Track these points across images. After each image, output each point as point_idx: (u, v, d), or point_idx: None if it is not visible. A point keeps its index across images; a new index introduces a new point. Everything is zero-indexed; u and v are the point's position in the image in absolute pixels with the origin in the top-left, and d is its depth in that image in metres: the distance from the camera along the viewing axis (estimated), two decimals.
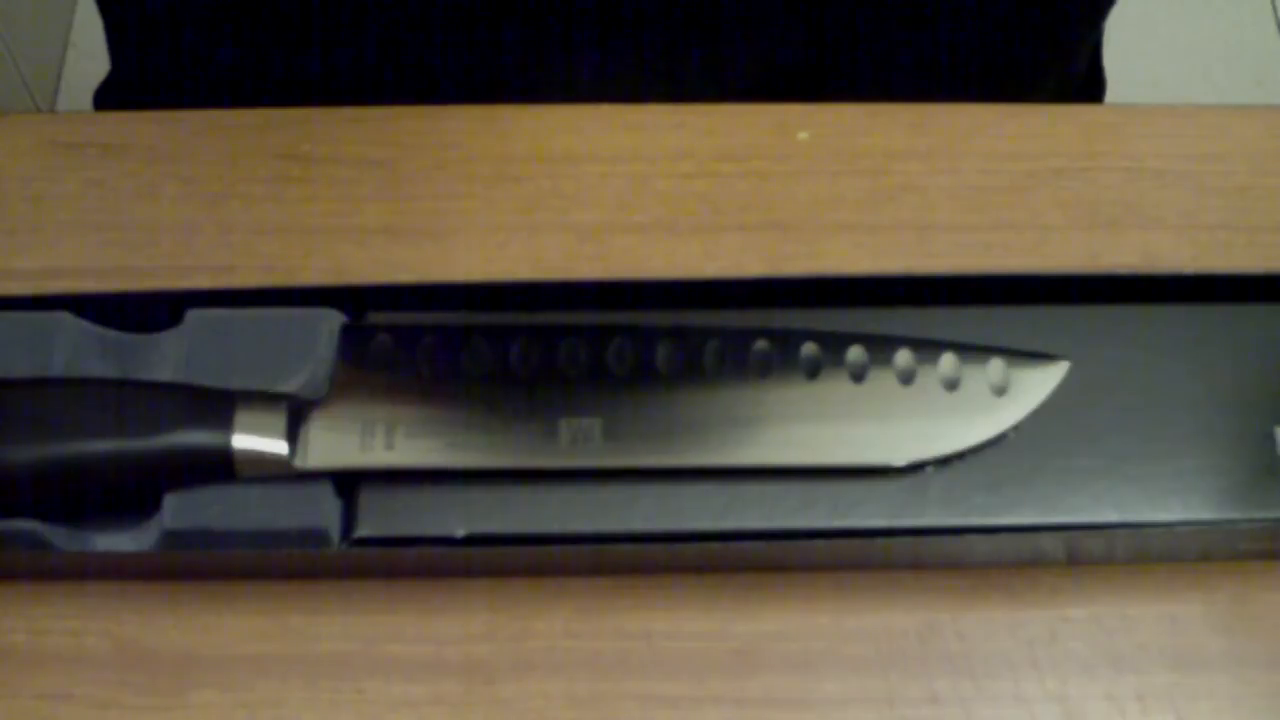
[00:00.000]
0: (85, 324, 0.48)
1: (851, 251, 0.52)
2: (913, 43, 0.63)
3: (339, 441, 0.45)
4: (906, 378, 0.46)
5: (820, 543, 0.45)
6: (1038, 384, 0.47)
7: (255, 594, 0.46)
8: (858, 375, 0.47)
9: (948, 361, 0.47)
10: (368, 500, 0.45)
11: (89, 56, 1.42)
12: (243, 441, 0.44)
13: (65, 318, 0.48)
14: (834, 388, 0.46)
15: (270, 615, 0.46)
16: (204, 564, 0.46)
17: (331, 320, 0.48)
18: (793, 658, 0.45)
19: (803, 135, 0.55)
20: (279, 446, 0.44)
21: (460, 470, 0.45)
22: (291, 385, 0.47)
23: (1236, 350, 0.48)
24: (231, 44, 0.63)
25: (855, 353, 0.47)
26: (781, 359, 0.47)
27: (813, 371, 0.47)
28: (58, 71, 1.44)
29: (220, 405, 0.45)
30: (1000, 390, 0.46)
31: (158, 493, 0.45)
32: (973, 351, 0.47)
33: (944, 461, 0.46)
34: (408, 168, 0.54)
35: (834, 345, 0.47)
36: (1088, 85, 0.72)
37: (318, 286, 0.48)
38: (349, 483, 0.46)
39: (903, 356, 0.47)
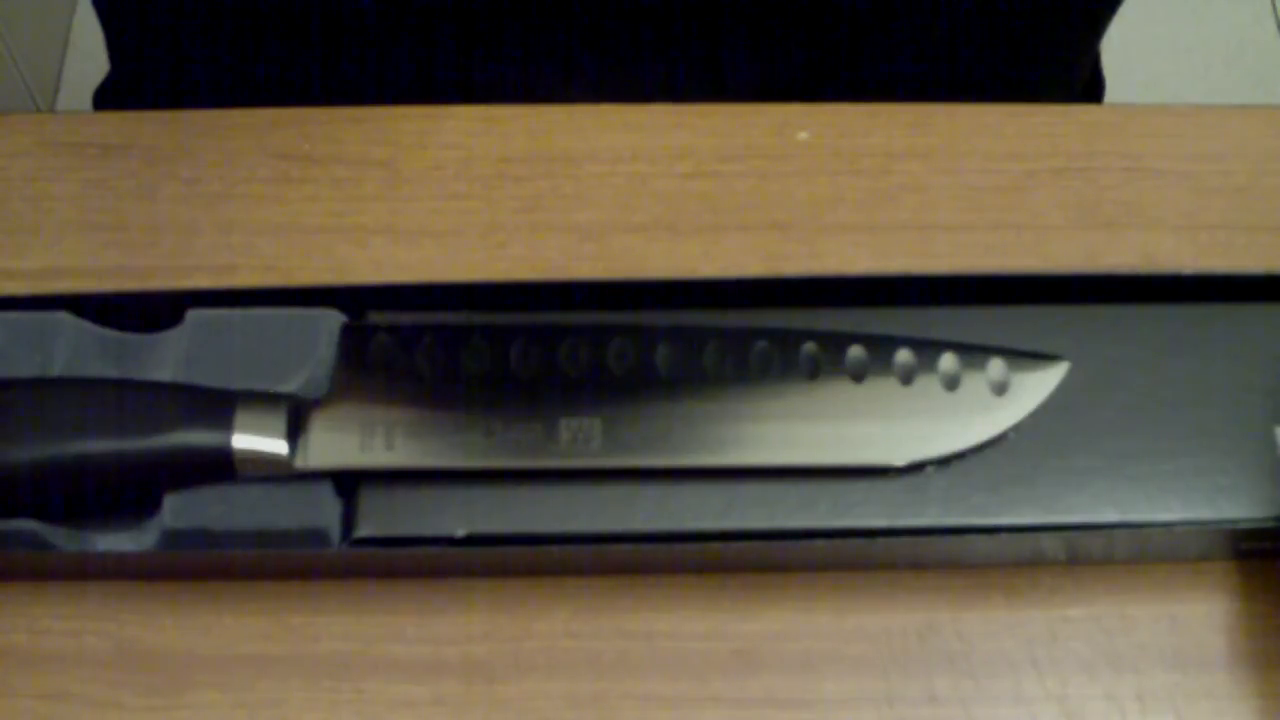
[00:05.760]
0: (85, 324, 0.48)
1: (851, 251, 0.52)
2: (913, 59, 0.63)
3: (339, 441, 0.45)
4: (906, 378, 0.46)
5: (820, 543, 0.45)
6: (1038, 384, 0.47)
7: (255, 594, 0.46)
8: (858, 375, 0.46)
9: (948, 361, 0.47)
10: (368, 500, 0.45)
11: (89, 56, 1.42)
12: (243, 441, 0.44)
13: (65, 318, 0.48)
14: (834, 388, 0.46)
15: (270, 615, 0.46)
16: (204, 564, 0.46)
17: (331, 320, 0.48)
18: (793, 658, 0.45)
19: (803, 135, 0.55)
20: (279, 446, 0.44)
21: (460, 470, 0.45)
22: (291, 385, 0.47)
23: (1236, 350, 0.48)
24: (231, 44, 0.63)
25: (855, 353, 0.47)
26: (781, 359, 0.47)
27: (813, 371, 0.47)
28: (58, 71, 1.44)
29: (220, 405, 0.45)
30: (1000, 390, 0.46)
31: (158, 493, 0.45)
32: (973, 351, 0.47)
33: (944, 461, 0.46)
34: (408, 168, 0.54)
35: (834, 345, 0.47)
36: (1087, 86, 0.72)
37: (318, 286, 0.48)
38: (349, 483, 0.46)
39: (903, 356, 0.47)
